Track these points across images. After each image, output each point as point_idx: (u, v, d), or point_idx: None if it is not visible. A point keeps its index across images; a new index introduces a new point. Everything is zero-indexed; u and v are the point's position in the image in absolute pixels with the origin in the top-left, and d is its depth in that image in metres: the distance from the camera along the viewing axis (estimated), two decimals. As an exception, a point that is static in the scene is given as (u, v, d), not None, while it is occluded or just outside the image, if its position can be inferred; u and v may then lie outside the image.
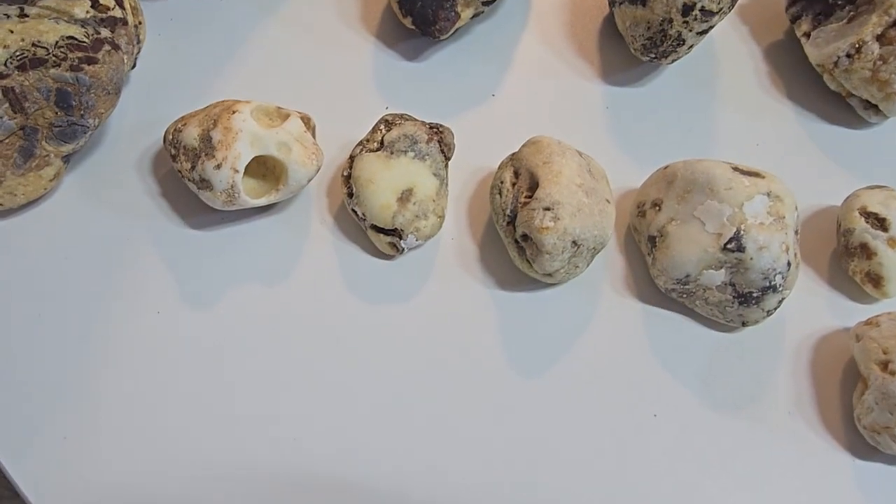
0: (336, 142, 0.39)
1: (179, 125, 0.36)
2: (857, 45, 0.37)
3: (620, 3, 0.40)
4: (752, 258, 0.32)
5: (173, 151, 0.36)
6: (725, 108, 0.41)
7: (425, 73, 0.41)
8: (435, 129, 0.37)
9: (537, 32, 0.43)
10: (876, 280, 0.34)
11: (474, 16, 0.41)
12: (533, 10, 0.44)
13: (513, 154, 0.37)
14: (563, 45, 0.43)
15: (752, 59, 0.42)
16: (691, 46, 0.39)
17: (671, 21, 0.38)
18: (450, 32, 0.40)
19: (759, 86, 0.41)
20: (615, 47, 0.42)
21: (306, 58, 0.41)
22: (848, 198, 0.35)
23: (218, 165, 0.34)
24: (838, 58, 0.38)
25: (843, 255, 0.35)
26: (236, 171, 0.34)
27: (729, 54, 0.42)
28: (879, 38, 0.37)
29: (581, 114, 0.40)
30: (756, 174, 0.33)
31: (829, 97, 0.40)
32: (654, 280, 0.35)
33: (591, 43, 0.43)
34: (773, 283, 0.32)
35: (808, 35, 0.39)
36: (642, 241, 0.36)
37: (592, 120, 0.40)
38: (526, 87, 0.41)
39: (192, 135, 0.35)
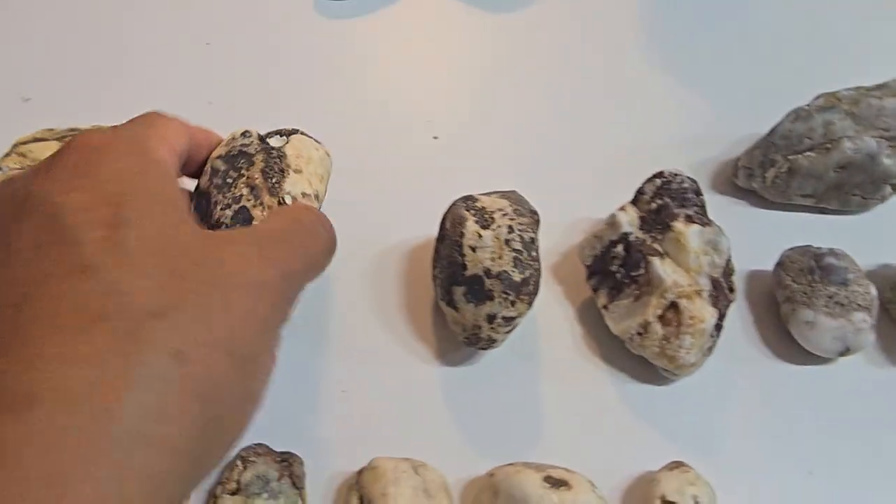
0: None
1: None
2: (644, 325, 0.42)
3: (440, 300, 0.44)
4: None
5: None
6: (550, 378, 0.45)
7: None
8: (285, 462, 0.41)
9: (377, 317, 0.47)
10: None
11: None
12: (369, 296, 0.48)
13: (358, 475, 0.40)
14: (402, 331, 0.47)
15: (567, 320, 0.47)
16: (505, 338, 0.44)
17: (480, 327, 0.42)
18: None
19: (575, 349, 0.46)
20: (447, 329, 0.47)
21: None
22: (651, 481, 0.39)
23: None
24: (631, 335, 0.43)
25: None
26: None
27: (546, 316, 0.47)
28: (660, 319, 0.42)
29: (420, 401, 0.44)
30: (565, 483, 0.38)
31: (635, 358, 0.45)
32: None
33: (427, 327, 0.47)
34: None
35: (606, 307, 0.44)
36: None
37: (434, 406, 0.44)
38: (371, 380, 0.45)
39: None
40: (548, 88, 0.59)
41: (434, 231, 0.49)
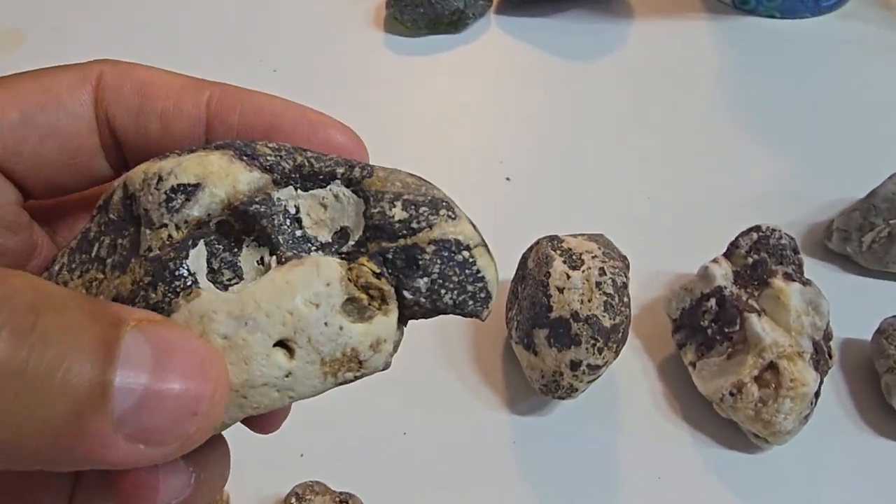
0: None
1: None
2: (738, 386, 0.39)
3: (516, 343, 0.42)
4: None
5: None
6: (628, 436, 0.42)
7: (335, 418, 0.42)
8: (344, 503, 0.38)
9: (442, 360, 0.45)
10: None
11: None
12: (434, 338, 0.45)
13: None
14: (468, 374, 0.44)
15: (647, 376, 0.44)
16: (586, 388, 0.41)
17: (562, 374, 0.39)
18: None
19: (655, 407, 0.43)
20: (518, 375, 0.44)
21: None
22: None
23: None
24: (723, 395, 0.40)
25: None
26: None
27: (625, 369, 0.44)
28: (757, 380, 0.39)
29: (487, 449, 0.42)
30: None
31: (722, 421, 0.42)
32: None
33: (496, 372, 0.44)
34: None
35: (693, 365, 0.42)
36: None
37: (501, 457, 0.41)
38: (434, 423, 0.42)
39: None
40: (629, 136, 0.57)
41: (504, 273, 0.47)
